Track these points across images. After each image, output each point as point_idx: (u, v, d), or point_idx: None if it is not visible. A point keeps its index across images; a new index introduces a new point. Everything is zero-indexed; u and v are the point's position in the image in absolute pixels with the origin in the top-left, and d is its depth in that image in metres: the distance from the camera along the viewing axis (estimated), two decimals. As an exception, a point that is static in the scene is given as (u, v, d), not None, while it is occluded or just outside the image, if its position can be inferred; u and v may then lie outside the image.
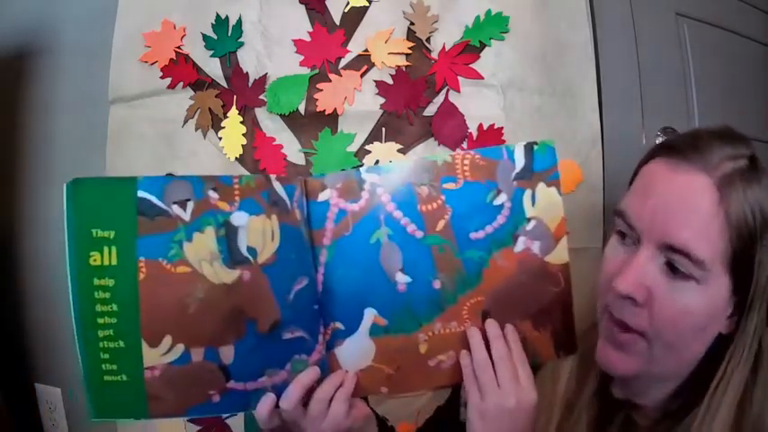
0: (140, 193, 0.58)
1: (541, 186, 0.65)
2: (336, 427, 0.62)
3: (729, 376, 0.54)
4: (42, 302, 1.16)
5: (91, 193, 0.57)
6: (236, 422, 1.01)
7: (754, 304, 0.53)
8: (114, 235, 0.57)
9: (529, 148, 0.65)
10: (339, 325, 0.66)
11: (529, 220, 0.65)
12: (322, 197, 0.65)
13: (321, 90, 0.98)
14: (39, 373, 1.19)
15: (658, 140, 1.11)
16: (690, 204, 0.52)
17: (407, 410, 0.98)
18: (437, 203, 0.65)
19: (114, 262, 0.57)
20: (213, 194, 0.60)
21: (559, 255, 0.65)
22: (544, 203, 0.65)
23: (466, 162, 0.65)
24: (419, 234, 0.65)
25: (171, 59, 1.01)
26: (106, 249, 0.57)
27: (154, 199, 0.58)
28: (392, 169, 0.65)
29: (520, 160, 0.65)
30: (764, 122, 1.26)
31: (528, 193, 0.65)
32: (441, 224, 0.65)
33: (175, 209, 0.58)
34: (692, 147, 0.55)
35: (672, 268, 0.53)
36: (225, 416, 1.01)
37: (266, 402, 0.61)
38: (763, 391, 0.53)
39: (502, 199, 0.65)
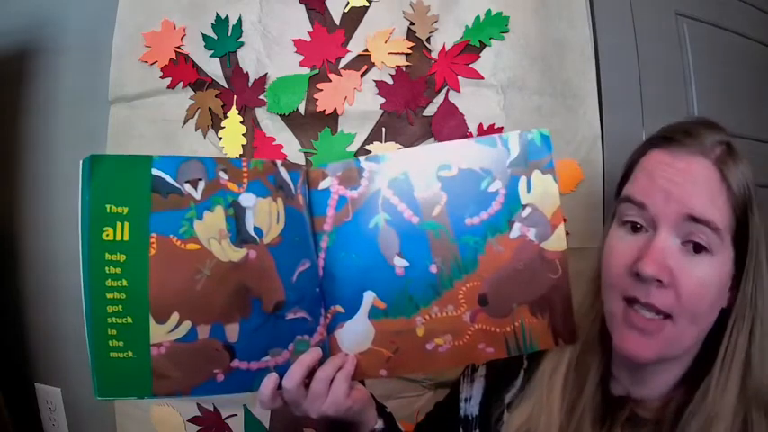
0: (155, 171, 0.60)
1: (537, 174, 0.67)
2: (337, 407, 0.63)
3: (734, 345, 0.58)
4: (42, 302, 1.16)
5: (107, 170, 0.58)
6: (237, 422, 1.01)
7: (748, 272, 0.58)
8: (128, 211, 0.58)
9: (524, 136, 0.67)
10: (340, 308, 0.67)
11: (524, 206, 0.66)
12: (323, 185, 0.68)
13: (321, 90, 0.98)
14: (39, 373, 1.19)
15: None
16: (699, 180, 0.57)
17: (408, 410, 0.98)
18: (433, 190, 0.67)
19: (127, 237, 0.58)
20: (224, 175, 0.62)
21: (557, 242, 0.67)
22: (540, 191, 0.67)
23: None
24: (416, 219, 0.67)
25: (171, 59, 1.02)
26: (119, 225, 0.58)
27: (168, 177, 0.60)
28: (390, 158, 0.67)
29: (515, 148, 0.67)
30: (764, 122, 1.26)
31: (523, 180, 0.67)
32: (437, 210, 0.66)
33: (187, 188, 0.60)
34: (687, 134, 0.60)
35: (691, 245, 0.57)
36: (225, 416, 1.01)
37: (269, 381, 0.62)
38: (761, 352, 0.58)
39: (497, 186, 0.66)
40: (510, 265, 0.66)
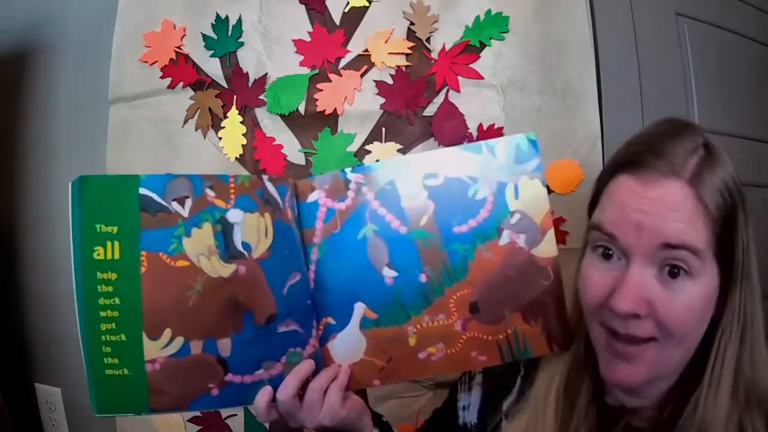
0: (143, 190, 0.60)
1: (524, 179, 0.66)
2: (333, 417, 0.64)
3: (724, 350, 0.56)
4: (42, 302, 1.16)
5: (96, 190, 0.59)
6: (236, 422, 1.01)
7: (736, 280, 0.56)
8: (118, 230, 0.59)
9: (510, 142, 0.66)
10: (331, 319, 0.68)
11: (513, 213, 0.66)
12: (311, 198, 0.68)
13: (321, 90, 0.98)
14: (39, 373, 1.19)
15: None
16: (673, 205, 0.53)
17: (407, 411, 0.98)
18: (420, 199, 0.67)
19: (117, 256, 0.59)
20: (210, 192, 0.62)
21: (547, 247, 0.66)
22: (528, 196, 0.66)
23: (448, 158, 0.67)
24: (404, 229, 0.67)
25: (171, 59, 1.02)
26: (110, 244, 0.59)
27: (155, 196, 0.61)
28: (376, 168, 0.68)
29: (501, 154, 0.66)
30: (764, 122, 1.26)
31: (510, 186, 0.66)
32: (425, 219, 0.67)
33: (175, 205, 0.61)
34: (653, 154, 0.55)
35: (669, 272, 0.54)
36: (225, 416, 1.01)
37: (264, 394, 0.62)
38: (751, 357, 0.56)
39: (484, 193, 0.66)
40: (500, 271, 0.66)
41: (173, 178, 0.61)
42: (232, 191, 0.63)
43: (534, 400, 0.65)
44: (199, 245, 0.61)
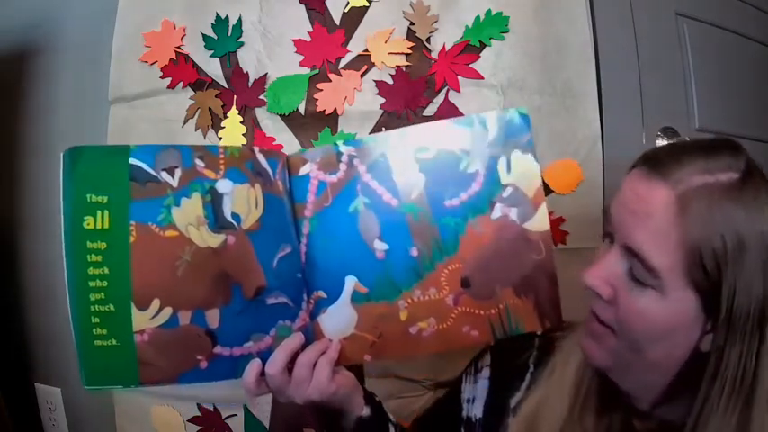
0: (133, 161, 0.60)
1: (516, 153, 0.66)
2: (321, 392, 0.63)
3: (713, 400, 0.51)
4: (42, 302, 1.16)
5: (87, 161, 0.60)
6: (237, 422, 1.01)
7: (735, 330, 0.49)
8: (108, 199, 0.59)
9: (502, 116, 0.66)
10: (322, 294, 0.67)
11: (505, 186, 0.66)
12: (303, 171, 0.68)
13: (321, 90, 0.98)
14: (39, 373, 1.19)
15: (658, 141, 1.11)
16: (648, 211, 0.52)
17: (408, 410, 0.98)
18: (412, 172, 0.66)
19: (107, 226, 0.59)
20: (200, 163, 0.62)
21: (539, 222, 0.66)
22: (520, 170, 0.66)
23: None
24: (394, 202, 0.66)
25: (171, 59, 1.01)
26: (99, 213, 0.59)
27: (145, 166, 0.60)
28: (368, 141, 0.68)
29: (493, 128, 0.66)
30: (764, 122, 1.26)
31: (502, 160, 0.66)
32: (415, 192, 0.66)
33: (164, 175, 0.61)
34: (664, 158, 0.53)
35: (633, 278, 0.53)
36: (225, 416, 1.01)
37: (253, 367, 0.62)
38: (761, 427, 0.50)
39: (476, 166, 0.66)
40: (492, 246, 0.66)
41: (163, 149, 0.62)
42: (222, 162, 0.63)
43: (548, 378, 0.65)
44: (188, 215, 0.61)
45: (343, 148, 0.67)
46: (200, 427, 1.02)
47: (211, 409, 1.01)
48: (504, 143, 0.66)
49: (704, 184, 0.50)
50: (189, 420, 1.02)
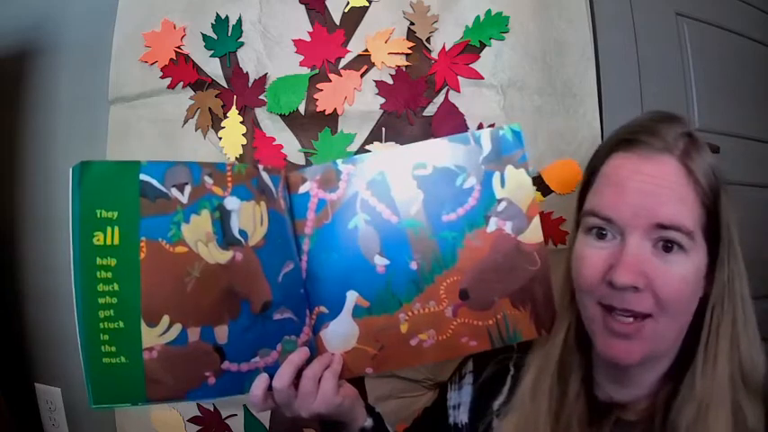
0: (143, 176, 0.60)
1: (510, 168, 0.69)
2: (328, 405, 0.64)
3: (716, 332, 0.58)
4: (42, 302, 1.16)
5: (97, 175, 0.59)
6: (237, 422, 1.01)
7: (723, 259, 0.58)
8: (117, 215, 0.59)
9: (495, 133, 0.69)
10: (324, 309, 0.69)
11: (499, 200, 0.68)
12: (303, 189, 0.70)
13: (321, 90, 0.98)
14: (39, 373, 1.19)
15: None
16: (667, 183, 0.56)
17: (407, 411, 0.98)
18: (410, 189, 0.68)
19: (117, 242, 0.59)
20: (209, 180, 0.63)
21: (533, 234, 0.68)
22: (514, 184, 0.68)
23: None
24: (394, 219, 0.68)
25: (171, 59, 1.01)
26: (109, 229, 0.59)
27: (155, 182, 0.61)
28: (366, 159, 0.69)
29: (487, 145, 0.69)
30: (764, 122, 1.26)
31: (497, 175, 0.68)
32: (414, 208, 0.68)
33: (174, 192, 0.61)
34: (650, 133, 0.59)
35: (663, 247, 0.57)
36: (225, 416, 1.01)
37: (260, 382, 0.63)
38: (747, 337, 0.58)
39: (471, 182, 0.68)
40: (489, 258, 0.68)
41: (172, 165, 0.62)
42: (229, 179, 0.64)
43: (523, 398, 0.65)
44: (197, 231, 0.62)
45: (342, 167, 0.69)
46: (200, 427, 1.02)
47: (211, 409, 1.01)
48: (498, 159, 0.68)
49: (686, 144, 0.58)
50: (189, 420, 1.02)
